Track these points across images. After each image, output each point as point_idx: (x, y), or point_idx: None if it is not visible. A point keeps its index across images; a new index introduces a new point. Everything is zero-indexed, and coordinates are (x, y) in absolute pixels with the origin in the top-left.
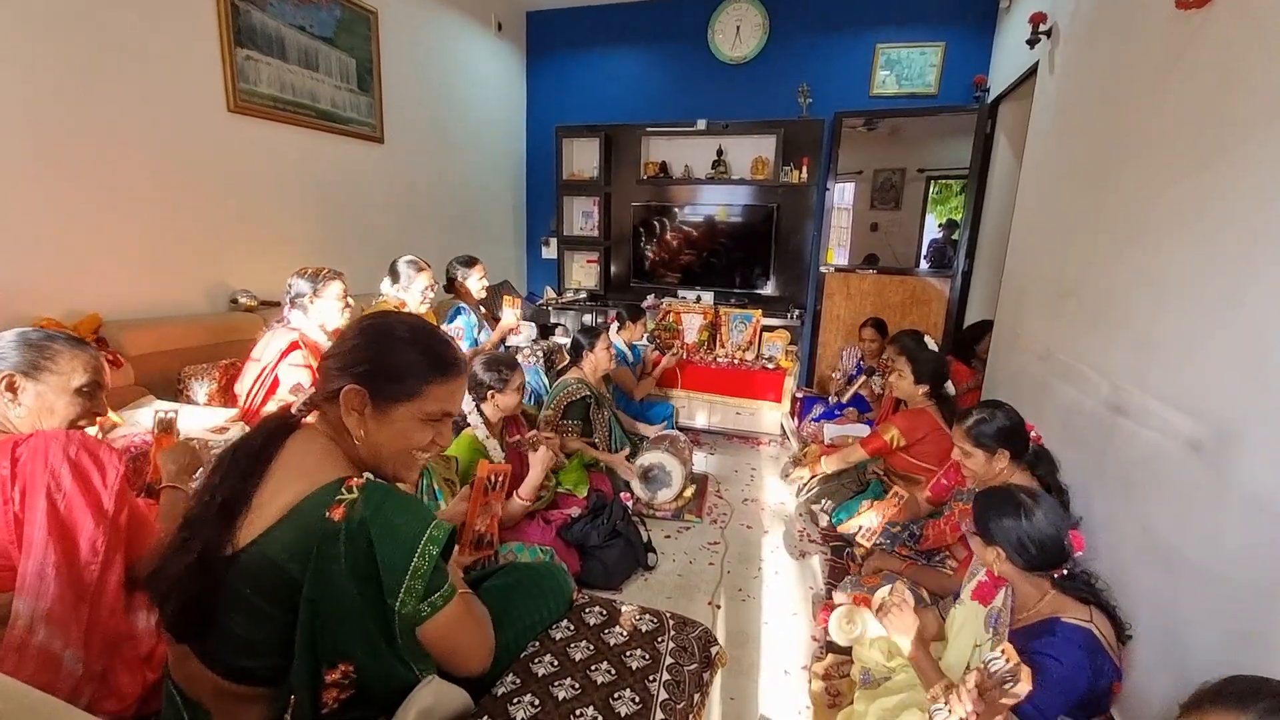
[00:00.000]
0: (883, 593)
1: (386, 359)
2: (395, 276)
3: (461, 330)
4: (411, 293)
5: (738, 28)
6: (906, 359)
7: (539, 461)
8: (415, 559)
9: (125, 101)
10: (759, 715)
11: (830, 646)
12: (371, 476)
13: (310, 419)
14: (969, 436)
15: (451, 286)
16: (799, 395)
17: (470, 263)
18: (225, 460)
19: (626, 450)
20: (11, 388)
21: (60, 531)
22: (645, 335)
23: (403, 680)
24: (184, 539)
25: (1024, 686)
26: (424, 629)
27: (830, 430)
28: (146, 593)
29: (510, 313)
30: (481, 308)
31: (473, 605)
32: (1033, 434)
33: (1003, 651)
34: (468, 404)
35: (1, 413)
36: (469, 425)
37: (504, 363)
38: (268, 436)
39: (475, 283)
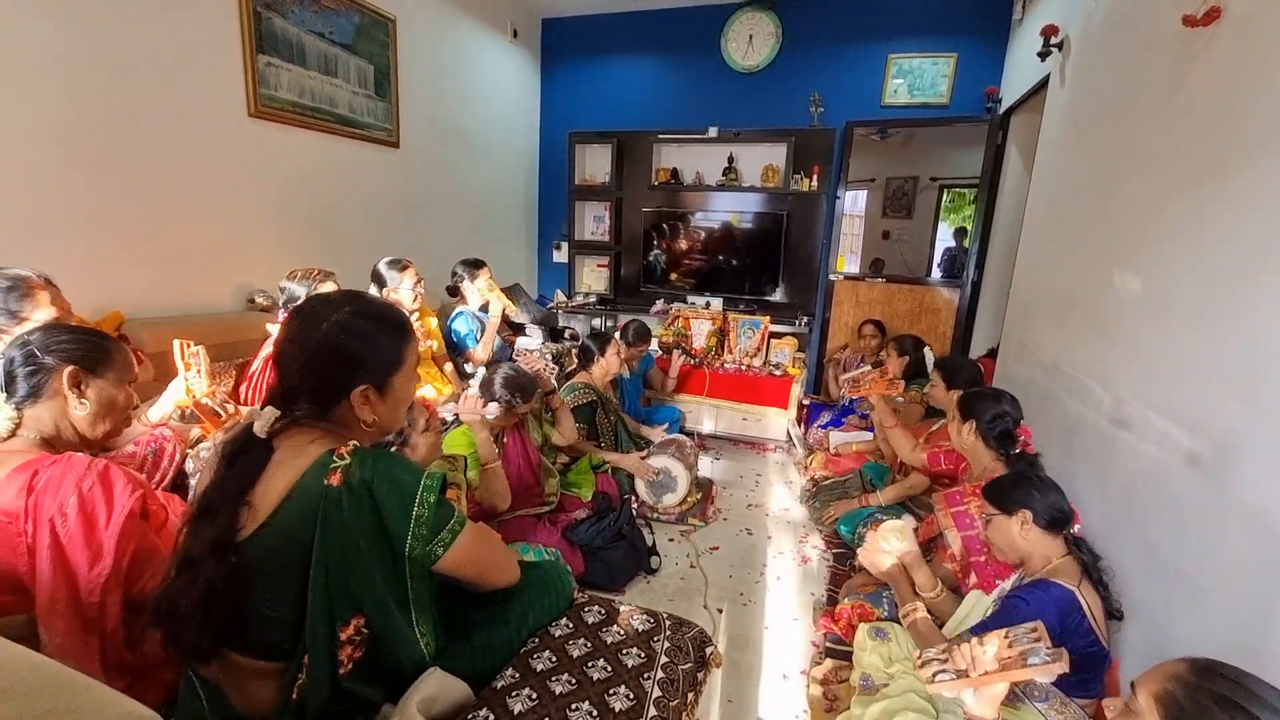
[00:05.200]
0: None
1: (369, 353)
2: (380, 281)
3: (461, 332)
4: (403, 293)
5: (750, 37)
6: (937, 369)
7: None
8: (416, 508)
9: (149, 106)
10: (757, 718)
11: (829, 652)
12: (356, 444)
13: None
14: (958, 402)
15: (456, 290)
16: (805, 402)
17: (476, 267)
18: (213, 500)
19: (642, 454)
20: (78, 383)
21: (62, 565)
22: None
23: (408, 644)
24: (188, 580)
25: (1059, 667)
26: (445, 561)
27: (836, 438)
28: (160, 635)
29: (496, 304)
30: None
31: (482, 527)
32: (1023, 439)
33: (1034, 629)
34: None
35: (60, 412)
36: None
37: (523, 390)
38: (254, 462)
39: (481, 284)
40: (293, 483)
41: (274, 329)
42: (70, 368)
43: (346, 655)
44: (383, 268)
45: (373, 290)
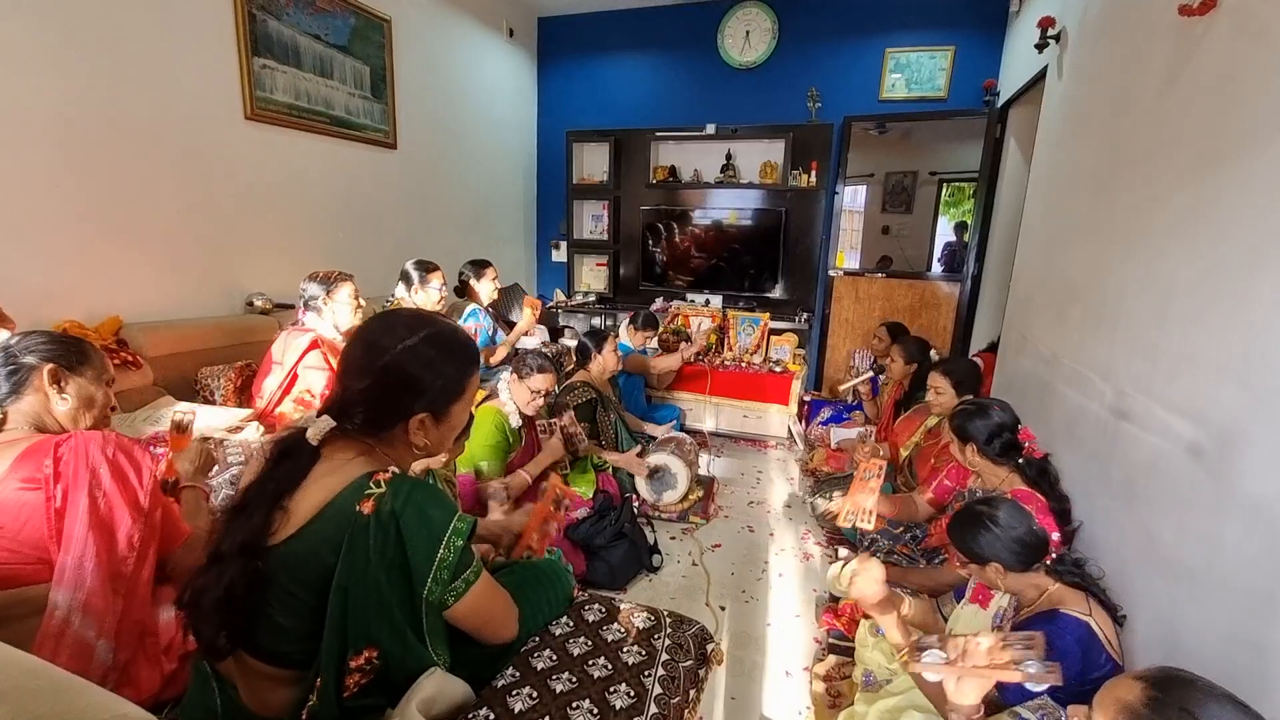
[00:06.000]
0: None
1: (435, 381)
2: (408, 280)
3: (479, 328)
4: (429, 292)
5: (747, 33)
6: (942, 373)
7: (550, 449)
8: (441, 550)
9: (145, 110)
10: (760, 716)
11: (832, 649)
12: (397, 469)
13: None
14: (951, 426)
15: (464, 290)
16: (806, 399)
17: (482, 266)
18: (253, 497)
19: (637, 449)
20: (57, 380)
21: (100, 526)
22: (651, 341)
23: (424, 664)
24: (215, 575)
25: (1054, 678)
26: (455, 610)
27: (837, 434)
28: (185, 617)
29: (529, 313)
30: (491, 309)
31: (493, 580)
32: (1027, 445)
33: (1030, 637)
34: (505, 372)
35: (43, 407)
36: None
37: (547, 363)
38: (298, 466)
39: (488, 284)
40: (328, 500)
41: (293, 330)
42: (50, 365)
43: (353, 682)
44: (410, 268)
45: (400, 289)
